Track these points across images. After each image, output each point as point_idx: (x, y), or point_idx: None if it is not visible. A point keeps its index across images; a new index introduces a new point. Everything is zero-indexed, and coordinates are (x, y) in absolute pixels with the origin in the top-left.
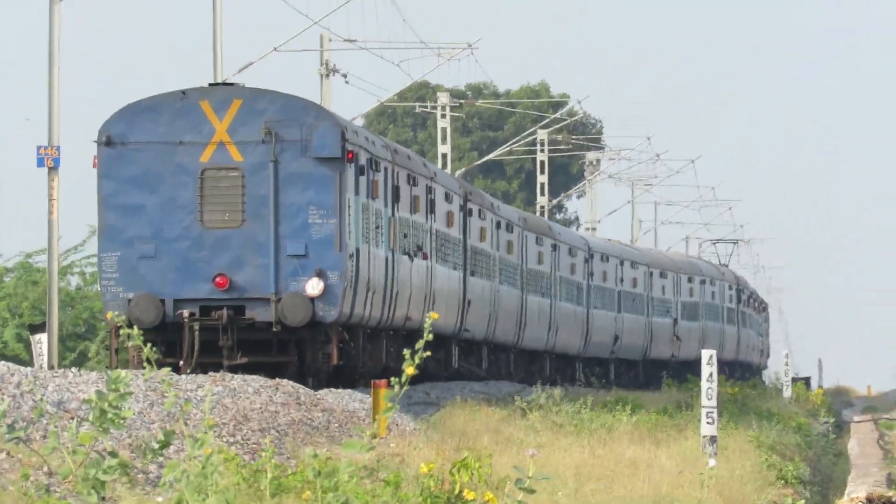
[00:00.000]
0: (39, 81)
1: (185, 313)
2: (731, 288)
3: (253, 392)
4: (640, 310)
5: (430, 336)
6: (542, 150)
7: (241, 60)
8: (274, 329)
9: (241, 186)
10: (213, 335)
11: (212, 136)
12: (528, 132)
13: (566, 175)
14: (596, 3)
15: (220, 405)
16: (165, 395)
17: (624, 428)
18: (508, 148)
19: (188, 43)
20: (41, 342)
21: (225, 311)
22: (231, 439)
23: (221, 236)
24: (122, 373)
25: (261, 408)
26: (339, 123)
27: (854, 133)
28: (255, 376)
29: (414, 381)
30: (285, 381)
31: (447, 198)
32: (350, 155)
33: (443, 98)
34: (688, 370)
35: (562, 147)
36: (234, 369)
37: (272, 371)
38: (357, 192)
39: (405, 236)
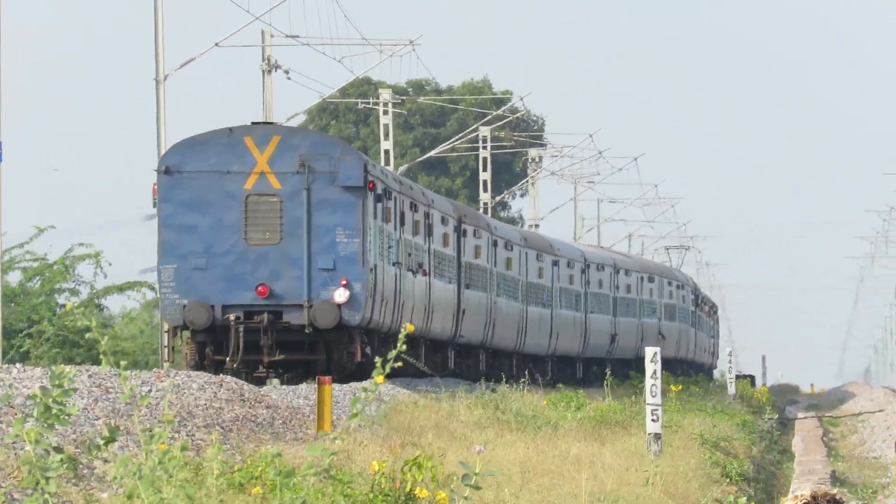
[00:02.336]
0: None
1: (232, 317)
2: (692, 292)
3: (197, 388)
4: (632, 312)
5: (404, 347)
6: (485, 147)
7: (183, 56)
8: (307, 331)
9: (279, 210)
10: (254, 336)
11: (254, 166)
12: (470, 129)
13: (509, 172)
14: (537, 0)
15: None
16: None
17: (569, 425)
18: (451, 145)
19: (129, 38)
20: None
21: (265, 316)
22: (175, 435)
23: (262, 252)
24: (66, 368)
25: (205, 404)
26: (361, 158)
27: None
28: (199, 372)
29: (417, 376)
30: (229, 377)
31: (443, 221)
32: (371, 185)
33: (385, 94)
34: (666, 367)
35: (504, 144)
36: (272, 364)
37: (304, 367)
38: (375, 217)
39: (409, 255)
